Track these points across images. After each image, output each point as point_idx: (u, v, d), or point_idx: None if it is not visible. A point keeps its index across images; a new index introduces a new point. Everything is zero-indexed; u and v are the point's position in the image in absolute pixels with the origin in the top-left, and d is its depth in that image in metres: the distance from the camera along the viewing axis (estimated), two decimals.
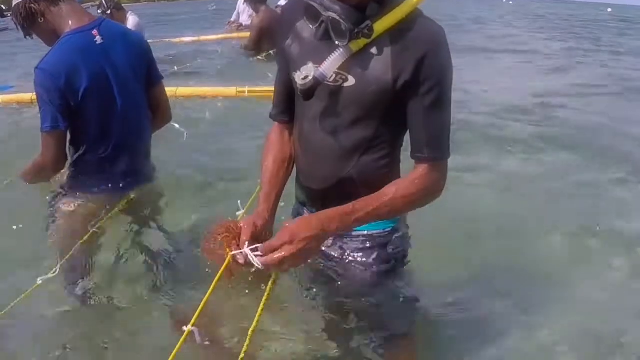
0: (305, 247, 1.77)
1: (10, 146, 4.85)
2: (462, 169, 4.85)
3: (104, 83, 2.71)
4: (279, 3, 15.72)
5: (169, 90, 6.26)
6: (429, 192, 1.95)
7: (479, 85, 9.00)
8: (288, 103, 2.13)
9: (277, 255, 1.76)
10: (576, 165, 5.43)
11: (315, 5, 1.81)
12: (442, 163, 1.94)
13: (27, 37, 2.82)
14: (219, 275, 1.88)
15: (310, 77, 1.85)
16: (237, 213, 2.54)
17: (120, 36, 2.87)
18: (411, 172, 1.94)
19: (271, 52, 9.71)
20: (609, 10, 51.94)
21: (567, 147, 5.94)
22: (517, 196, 4.62)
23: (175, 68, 9.02)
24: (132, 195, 2.93)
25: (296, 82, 1.92)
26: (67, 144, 2.79)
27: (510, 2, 62.10)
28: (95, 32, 2.71)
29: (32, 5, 2.67)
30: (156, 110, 3.08)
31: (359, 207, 1.85)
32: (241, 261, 1.87)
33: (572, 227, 3.94)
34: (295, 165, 2.19)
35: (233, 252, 1.86)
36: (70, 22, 2.70)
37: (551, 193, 4.69)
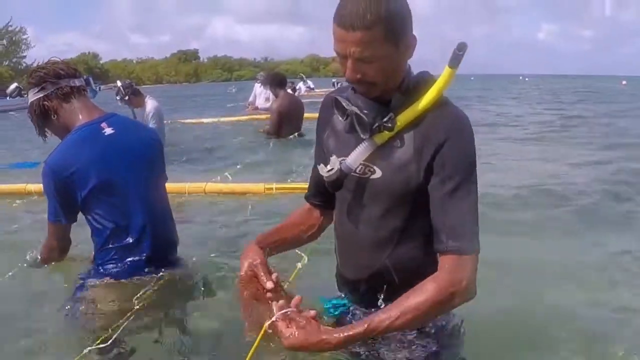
0: (308, 347, 1.73)
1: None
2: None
3: (113, 174, 2.67)
4: (297, 86, 15.98)
5: (198, 186, 6.42)
6: (453, 294, 1.74)
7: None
8: (321, 188, 2.12)
9: (289, 332, 1.73)
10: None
11: (341, 99, 1.85)
12: (467, 256, 1.74)
13: (42, 136, 2.87)
14: (258, 338, 1.82)
15: (335, 169, 1.86)
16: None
17: (132, 128, 2.90)
18: (436, 273, 1.76)
19: (291, 136, 9.76)
20: (624, 82, 52.30)
21: None
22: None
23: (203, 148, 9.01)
24: (160, 281, 2.81)
25: (322, 175, 1.91)
26: (90, 235, 2.79)
27: (527, 79, 63.07)
28: (104, 124, 2.72)
29: (46, 102, 2.71)
30: None
31: (372, 328, 1.72)
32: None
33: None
34: (335, 253, 2.17)
35: (268, 322, 1.79)
36: (80, 117, 2.72)
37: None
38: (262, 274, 2.00)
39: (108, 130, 2.70)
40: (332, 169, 1.86)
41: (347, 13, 1.65)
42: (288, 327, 1.74)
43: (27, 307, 3.30)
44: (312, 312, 1.80)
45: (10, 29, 73.71)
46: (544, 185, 7.03)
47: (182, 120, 14.43)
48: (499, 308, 3.24)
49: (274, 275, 2.00)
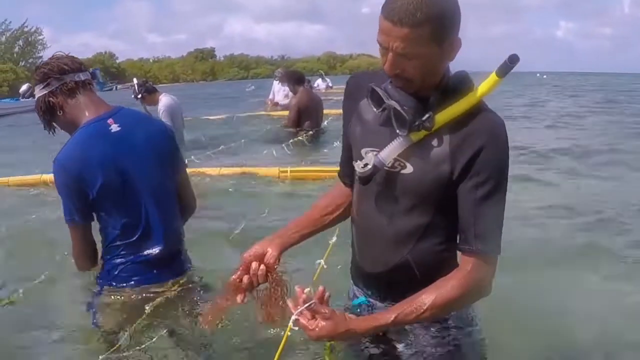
0: (335, 337, 1.83)
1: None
2: None
3: (121, 172, 2.65)
4: (315, 84, 15.99)
5: (213, 170, 6.75)
6: (473, 292, 1.86)
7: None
8: (349, 168, 2.10)
9: (314, 324, 1.79)
10: None
11: (379, 91, 1.81)
12: (489, 258, 1.84)
13: (49, 130, 2.83)
14: (285, 335, 1.93)
15: (370, 166, 1.84)
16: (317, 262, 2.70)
17: (139, 122, 2.85)
18: (457, 269, 1.86)
19: (311, 132, 9.80)
20: None
21: None
22: None
23: (222, 147, 9.25)
24: (169, 287, 2.82)
25: (355, 170, 1.91)
26: (99, 231, 2.79)
27: (544, 76, 62.66)
28: (110, 120, 2.68)
29: (51, 98, 2.68)
30: (179, 200, 2.99)
31: (399, 320, 1.82)
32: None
33: None
34: (351, 246, 2.18)
35: (293, 317, 1.83)
36: (87, 113, 2.69)
37: None
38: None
39: (115, 127, 2.67)
40: (367, 165, 1.85)
41: (397, 7, 1.63)
42: (311, 319, 1.78)
43: (45, 312, 3.48)
44: (320, 289, 1.88)
45: (26, 29, 74.39)
46: None
47: (200, 117, 14.66)
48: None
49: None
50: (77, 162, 2.56)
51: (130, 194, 2.68)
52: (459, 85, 1.81)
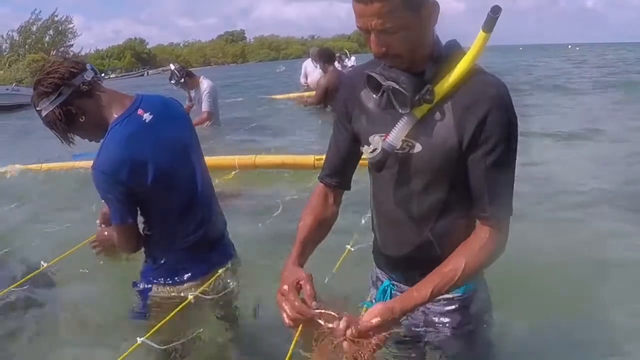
0: (388, 323, 1.73)
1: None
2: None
3: (168, 161, 2.56)
4: (345, 62, 15.58)
5: (248, 158, 6.77)
6: (496, 252, 1.87)
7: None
8: (338, 168, 2.10)
9: (368, 324, 1.70)
10: None
11: (375, 75, 1.80)
12: (505, 222, 1.87)
13: (68, 143, 2.63)
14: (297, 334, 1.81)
15: (378, 150, 1.83)
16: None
17: (164, 106, 2.70)
18: (474, 234, 1.87)
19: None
20: None
21: None
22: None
23: (253, 124, 9.65)
24: (218, 273, 2.78)
25: (366, 156, 1.90)
26: (143, 229, 2.72)
27: (577, 48, 61.37)
28: (140, 111, 2.54)
29: (69, 107, 2.48)
30: None
31: (435, 294, 1.79)
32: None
33: None
34: (373, 231, 2.19)
35: (330, 326, 1.72)
36: (113, 109, 2.53)
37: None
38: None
39: (147, 117, 2.54)
40: (375, 149, 1.84)
41: None
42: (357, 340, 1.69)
43: (88, 292, 3.73)
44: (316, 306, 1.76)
45: (56, 18, 74.46)
46: None
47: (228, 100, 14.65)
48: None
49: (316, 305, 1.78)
50: (126, 166, 2.43)
51: (177, 180, 2.61)
52: (451, 54, 1.79)
